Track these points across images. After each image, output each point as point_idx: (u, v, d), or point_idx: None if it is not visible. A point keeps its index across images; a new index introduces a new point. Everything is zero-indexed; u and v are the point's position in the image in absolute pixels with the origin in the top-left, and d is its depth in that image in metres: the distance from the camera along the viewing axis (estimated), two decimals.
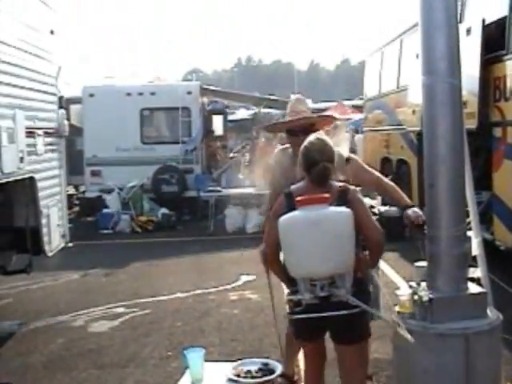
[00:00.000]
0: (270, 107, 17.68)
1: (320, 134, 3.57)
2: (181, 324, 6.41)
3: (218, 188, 13.16)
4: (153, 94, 14.21)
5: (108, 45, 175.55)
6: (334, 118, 4.67)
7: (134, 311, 6.93)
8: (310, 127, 3.99)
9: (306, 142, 3.45)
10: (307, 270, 3.20)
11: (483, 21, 7.15)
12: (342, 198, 3.26)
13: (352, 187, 3.39)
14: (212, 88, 16.83)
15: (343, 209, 3.19)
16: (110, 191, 13.40)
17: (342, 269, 3.19)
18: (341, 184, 3.38)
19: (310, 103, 25.64)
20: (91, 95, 14.14)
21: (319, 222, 3.14)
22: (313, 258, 3.16)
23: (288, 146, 4.20)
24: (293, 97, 4.28)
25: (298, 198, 3.21)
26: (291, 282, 3.33)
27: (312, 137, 3.48)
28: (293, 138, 4.04)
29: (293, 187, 3.44)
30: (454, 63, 3.58)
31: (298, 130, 4.01)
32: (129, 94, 14.16)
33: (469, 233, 3.79)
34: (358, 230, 3.25)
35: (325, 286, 3.20)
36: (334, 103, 24.92)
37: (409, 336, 3.23)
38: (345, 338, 3.41)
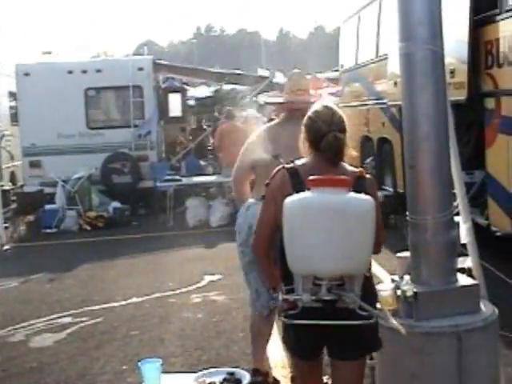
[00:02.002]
0: (235, 83, 17.64)
1: (327, 102, 3.39)
2: (137, 333, 6.38)
3: (177, 177, 13.10)
4: (99, 71, 14.07)
5: (46, 16, 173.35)
6: None
7: (83, 321, 6.87)
8: None
9: (310, 112, 3.27)
10: (314, 265, 2.90)
11: None
12: (360, 186, 3.06)
13: (368, 176, 3.21)
14: (167, 63, 16.74)
15: (368, 197, 2.96)
16: (52, 184, 13.27)
17: (357, 269, 2.95)
18: (356, 169, 3.19)
19: (280, 77, 25.67)
20: (26, 74, 13.93)
21: (339, 210, 2.89)
22: (324, 252, 2.88)
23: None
24: (293, 71, 4.85)
25: (312, 177, 2.95)
26: (287, 278, 3.06)
27: (317, 105, 3.30)
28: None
29: (297, 163, 3.21)
30: (436, 27, 3.60)
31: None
32: (70, 72, 14.00)
33: (456, 218, 3.83)
34: None
35: (333, 288, 2.92)
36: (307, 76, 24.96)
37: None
38: (352, 353, 3.14)
